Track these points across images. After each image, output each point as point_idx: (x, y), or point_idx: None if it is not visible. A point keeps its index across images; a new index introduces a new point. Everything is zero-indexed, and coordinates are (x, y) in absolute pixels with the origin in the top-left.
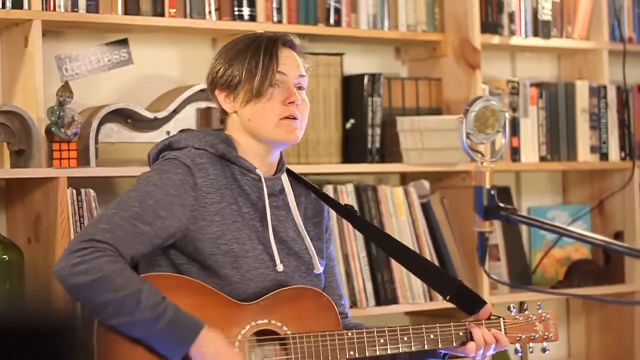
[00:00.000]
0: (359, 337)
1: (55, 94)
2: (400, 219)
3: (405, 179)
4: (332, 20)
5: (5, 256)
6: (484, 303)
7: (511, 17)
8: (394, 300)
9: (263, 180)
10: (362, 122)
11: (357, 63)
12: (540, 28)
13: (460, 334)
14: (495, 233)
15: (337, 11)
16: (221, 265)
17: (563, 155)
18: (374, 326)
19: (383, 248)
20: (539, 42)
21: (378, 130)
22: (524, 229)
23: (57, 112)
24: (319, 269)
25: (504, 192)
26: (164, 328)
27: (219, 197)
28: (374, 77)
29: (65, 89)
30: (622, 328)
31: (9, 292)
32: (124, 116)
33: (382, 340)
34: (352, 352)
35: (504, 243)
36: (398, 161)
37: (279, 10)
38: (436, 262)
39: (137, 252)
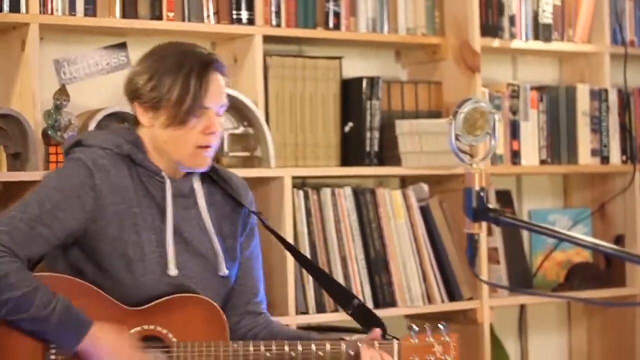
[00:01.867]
0: (244, 350)
1: (52, 97)
2: (398, 223)
3: (404, 182)
4: (331, 24)
5: None
6: (379, 324)
7: (512, 20)
8: (392, 303)
9: (168, 182)
10: (361, 125)
11: (356, 66)
12: (541, 31)
13: (351, 352)
14: (495, 236)
15: (336, 15)
16: (116, 268)
17: (564, 159)
18: (273, 329)
19: (296, 258)
20: (539, 45)
21: (377, 134)
22: (525, 232)
23: (54, 116)
24: (224, 271)
25: (504, 196)
26: (55, 323)
27: (119, 198)
28: (372, 81)
29: (62, 92)
30: (623, 331)
31: None
32: (120, 119)
33: (268, 354)
34: None
35: (503, 246)
36: (397, 164)
37: (278, 13)
38: (435, 266)
39: (34, 253)
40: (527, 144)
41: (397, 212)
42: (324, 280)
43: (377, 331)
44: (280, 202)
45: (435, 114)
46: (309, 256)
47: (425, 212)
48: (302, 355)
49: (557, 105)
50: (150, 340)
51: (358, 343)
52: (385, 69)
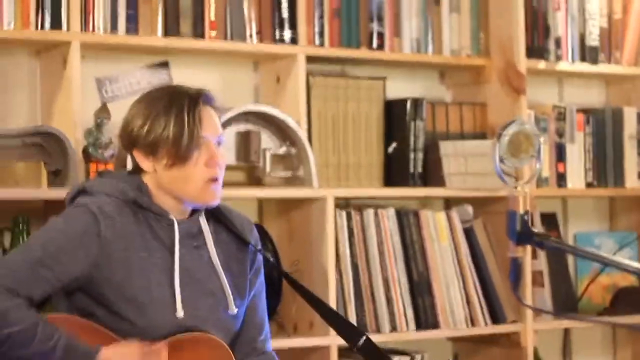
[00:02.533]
0: None
1: (93, 115)
2: (442, 245)
3: (448, 203)
4: (375, 44)
5: None
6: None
7: (558, 42)
8: (435, 325)
9: (175, 224)
10: (405, 146)
11: (400, 87)
12: (587, 53)
13: None
14: (540, 259)
15: (380, 35)
16: (125, 311)
17: (610, 182)
18: None
19: (300, 294)
20: (586, 67)
21: (421, 155)
22: (570, 255)
23: (95, 134)
24: (234, 310)
25: (550, 218)
26: (62, 356)
27: (125, 244)
28: (416, 102)
29: (103, 110)
30: None
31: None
32: None
33: None
34: None
35: (548, 269)
36: (441, 185)
37: (321, 33)
38: (479, 288)
39: (36, 295)
40: (573, 167)
41: (440, 234)
42: (329, 315)
43: None
44: (323, 222)
45: (480, 136)
46: (350, 277)
47: (469, 234)
48: None
49: (604, 128)
50: None
51: None
52: (429, 89)
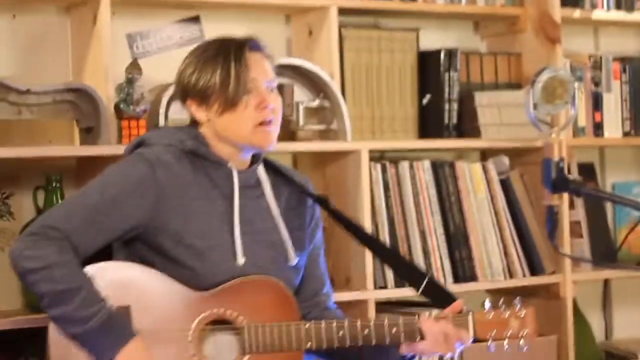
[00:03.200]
0: (316, 329)
1: (124, 71)
2: (478, 196)
3: (484, 155)
4: None
5: None
6: (453, 299)
7: None
8: (472, 278)
9: (235, 173)
10: (439, 97)
11: (434, 38)
12: (623, 1)
13: (421, 327)
14: (577, 209)
15: None
16: (185, 258)
17: None
18: (343, 318)
19: (358, 238)
20: (622, 15)
21: (455, 106)
22: (608, 205)
23: (126, 89)
24: (294, 260)
25: (587, 168)
26: (96, 328)
27: (182, 192)
28: (450, 52)
29: (134, 66)
30: None
31: None
32: None
33: (340, 333)
34: (309, 344)
35: (586, 219)
36: (476, 137)
37: None
38: (516, 240)
39: (91, 242)
40: (610, 116)
41: (477, 186)
42: (392, 259)
43: (458, 303)
44: (357, 176)
45: (515, 86)
46: (387, 231)
47: (505, 185)
48: (374, 331)
49: None
50: (221, 324)
51: (425, 317)
52: (464, 40)
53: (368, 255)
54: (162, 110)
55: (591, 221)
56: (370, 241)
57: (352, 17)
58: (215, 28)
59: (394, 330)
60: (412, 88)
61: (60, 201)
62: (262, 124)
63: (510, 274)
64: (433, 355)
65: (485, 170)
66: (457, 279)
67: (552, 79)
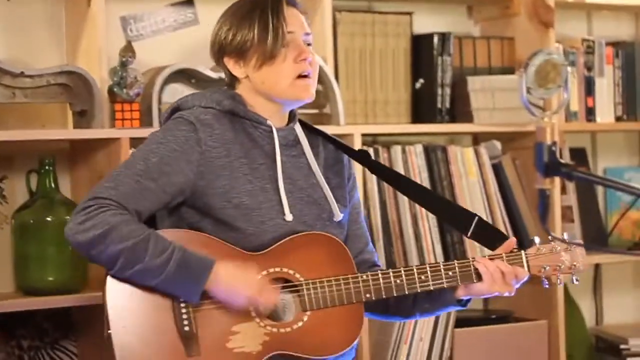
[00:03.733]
0: (374, 279)
1: (118, 54)
2: (470, 180)
3: (477, 139)
4: None
5: (67, 217)
6: (505, 237)
7: None
8: None
9: (275, 131)
10: (432, 81)
11: (427, 22)
12: None
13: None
14: (569, 195)
15: None
16: (234, 218)
17: None
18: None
19: (402, 190)
20: (615, 0)
21: (448, 90)
22: (599, 190)
23: (120, 73)
24: (339, 216)
25: (579, 153)
26: (175, 270)
27: (225, 151)
28: (443, 36)
29: (128, 49)
30: None
31: (72, 253)
32: (188, 76)
33: (398, 281)
34: (368, 295)
35: (577, 204)
36: (469, 121)
37: None
38: (508, 224)
39: (143, 207)
40: (602, 101)
41: (469, 170)
42: (437, 205)
43: (512, 241)
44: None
45: (508, 70)
46: (379, 214)
47: (497, 169)
48: (432, 277)
49: (633, 61)
50: (277, 282)
51: (479, 257)
52: (457, 24)
53: None
54: (155, 94)
55: (582, 206)
56: (414, 189)
57: (346, 1)
58: (209, 11)
59: (451, 273)
60: (405, 72)
61: (53, 185)
62: (300, 76)
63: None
64: (490, 296)
65: (477, 154)
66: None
67: (546, 63)
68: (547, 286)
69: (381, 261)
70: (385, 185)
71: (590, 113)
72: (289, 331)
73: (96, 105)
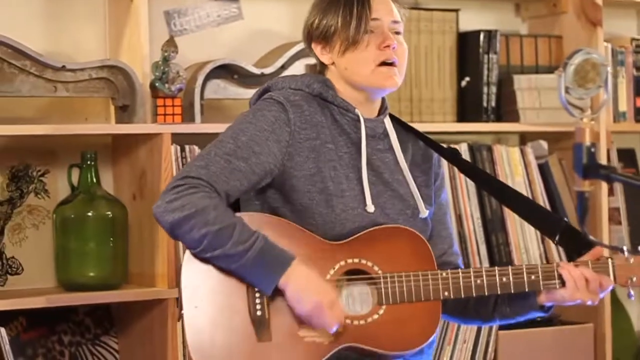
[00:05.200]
0: (454, 278)
1: (160, 49)
2: (516, 180)
3: (524, 139)
4: None
5: (108, 212)
6: (591, 244)
7: None
8: (508, 264)
9: (362, 120)
10: (478, 80)
11: (474, 19)
12: None
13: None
14: (617, 196)
15: None
16: (316, 203)
17: None
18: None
19: (491, 192)
20: None
21: (494, 89)
22: None
23: (162, 68)
24: (425, 212)
25: (628, 154)
26: (253, 259)
27: (314, 133)
28: (490, 34)
29: (170, 43)
30: None
31: (112, 249)
32: (230, 72)
33: (478, 282)
34: (446, 293)
35: (625, 206)
36: (515, 120)
37: None
38: None
39: (232, 188)
40: None
41: (514, 170)
42: (526, 211)
43: (598, 250)
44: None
45: (555, 69)
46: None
47: (543, 169)
48: (513, 280)
49: None
50: (355, 273)
51: (564, 263)
52: (505, 22)
53: None
54: (197, 90)
55: (631, 208)
56: (503, 191)
57: None
58: (253, 6)
59: (533, 277)
60: (451, 70)
61: (94, 180)
62: (383, 64)
63: (547, 261)
64: (573, 303)
65: (523, 154)
66: (493, 264)
67: (585, 62)
68: (632, 298)
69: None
70: None
71: (639, 113)
72: (362, 324)
73: (138, 100)
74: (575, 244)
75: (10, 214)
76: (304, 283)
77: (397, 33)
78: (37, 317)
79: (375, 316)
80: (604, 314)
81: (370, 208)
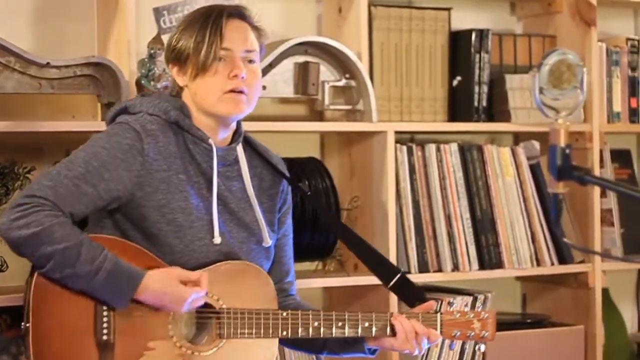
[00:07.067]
0: (293, 318)
1: (147, 46)
2: (507, 181)
3: (517, 139)
4: None
5: None
6: (424, 298)
7: None
8: (498, 265)
9: (214, 150)
10: (469, 79)
11: (469, 18)
12: None
13: (393, 323)
14: (609, 197)
15: None
16: (165, 234)
17: None
18: (314, 309)
19: (332, 229)
20: None
21: (485, 88)
22: None
23: (148, 65)
24: (268, 242)
25: (623, 155)
26: (104, 279)
27: (166, 165)
28: (482, 33)
29: (157, 41)
30: None
31: None
32: None
33: (315, 324)
34: (284, 332)
35: (618, 207)
36: (506, 120)
37: None
38: (545, 227)
39: (77, 210)
40: None
41: (505, 170)
42: (364, 251)
43: (430, 304)
44: (383, 158)
45: None
46: (411, 214)
47: (535, 170)
48: (348, 324)
49: None
50: (200, 306)
51: (397, 314)
52: (500, 21)
53: (392, 240)
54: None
55: (623, 209)
56: (344, 231)
57: None
58: (245, 3)
59: (367, 324)
60: (443, 69)
61: None
62: (229, 92)
63: (538, 262)
64: (397, 351)
65: (514, 154)
66: (482, 265)
67: (560, 62)
68: (453, 348)
69: (413, 262)
70: (419, 184)
71: (634, 114)
72: (203, 355)
73: (123, 97)
74: (409, 294)
75: None
76: (160, 293)
77: (251, 62)
78: (20, 314)
79: (215, 348)
80: (595, 316)
81: (217, 239)
